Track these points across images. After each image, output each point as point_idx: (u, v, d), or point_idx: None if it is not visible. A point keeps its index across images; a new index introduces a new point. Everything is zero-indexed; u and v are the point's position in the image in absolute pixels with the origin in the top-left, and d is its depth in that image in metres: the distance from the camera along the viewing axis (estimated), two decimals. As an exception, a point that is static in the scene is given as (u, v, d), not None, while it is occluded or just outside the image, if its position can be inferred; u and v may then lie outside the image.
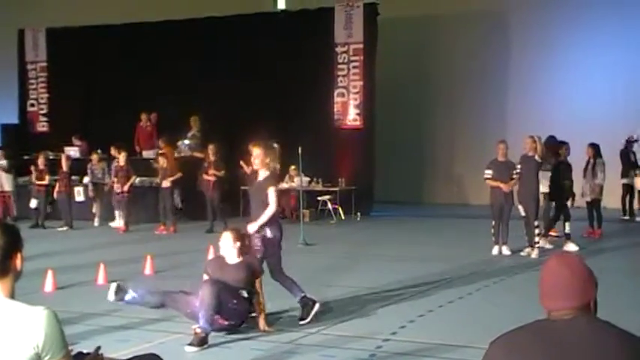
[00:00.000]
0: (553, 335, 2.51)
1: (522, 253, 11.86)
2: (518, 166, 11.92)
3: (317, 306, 7.44)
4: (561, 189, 12.81)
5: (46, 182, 16.93)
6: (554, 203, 13.19)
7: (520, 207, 12.00)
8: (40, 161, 17.17)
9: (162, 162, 16.24)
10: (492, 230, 12.19)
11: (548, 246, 12.28)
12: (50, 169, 17.24)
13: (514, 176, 11.95)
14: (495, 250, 12.08)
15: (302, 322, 7.31)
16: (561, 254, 2.72)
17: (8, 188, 18.18)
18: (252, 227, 7.44)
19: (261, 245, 7.45)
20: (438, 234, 15.29)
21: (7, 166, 18.01)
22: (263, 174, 7.61)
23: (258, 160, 7.53)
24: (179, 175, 16.14)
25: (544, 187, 12.84)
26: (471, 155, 20.37)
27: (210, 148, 15.82)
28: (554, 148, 13.01)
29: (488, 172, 12.15)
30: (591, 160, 14.15)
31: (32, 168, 17.36)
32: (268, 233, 7.45)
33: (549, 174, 12.97)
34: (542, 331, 2.54)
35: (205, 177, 15.74)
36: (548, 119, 19.05)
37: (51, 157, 18.11)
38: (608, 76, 19.47)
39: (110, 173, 17.52)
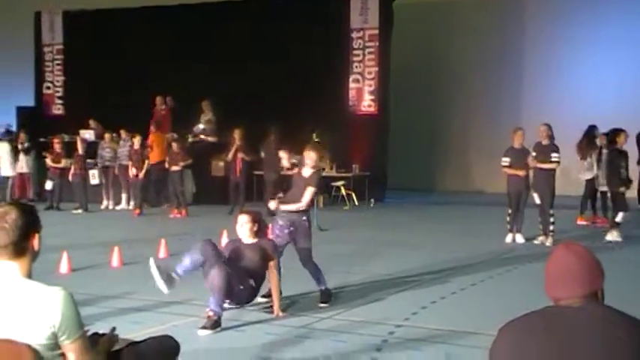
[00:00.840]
0: (562, 321, 2.51)
1: (536, 242, 11.84)
2: (533, 153, 11.84)
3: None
4: (618, 177, 12.52)
5: (61, 165, 17.05)
6: (600, 192, 13.18)
7: (535, 195, 11.93)
8: (56, 144, 17.29)
9: (174, 146, 16.30)
10: (508, 218, 12.16)
11: (614, 238, 12.12)
12: (65, 151, 17.35)
13: (529, 162, 11.89)
14: (509, 238, 12.06)
15: (322, 305, 7.53)
16: (568, 243, 2.72)
17: (27, 170, 18.38)
18: (273, 204, 7.75)
19: (292, 232, 7.62)
20: (451, 221, 15.26)
21: (27, 147, 18.21)
22: (308, 171, 7.79)
23: (310, 162, 7.77)
24: (189, 161, 16.21)
25: (588, 175, 12.72)
26: (485, 142, 20.32)
27: (237, 132, 15.92)
28: (613, 136, 12.78)
29: (506, 160, 12.08)
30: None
31: (48, 151, 17.49)
32: (304, 221, 7.70)
33: (592, 162, 12.85)
34: (552, 317, 2.55)
35: (231, 159, 15.87)
36: (564, 106, 18.99)
37: (66, 140, 18.24)
38: (626, 62, 19.28)
39: (119, 156, 17.64)
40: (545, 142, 11.78)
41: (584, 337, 2.46)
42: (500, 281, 8.96)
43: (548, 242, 11.55)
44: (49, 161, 17.27)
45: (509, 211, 12.14)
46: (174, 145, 16.29)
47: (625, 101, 18.86)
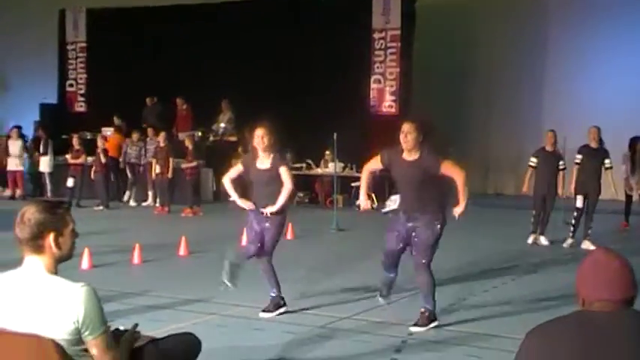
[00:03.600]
0: (593, 328, 2.47)
1: (565, 245, 11.66)
2: (579, 156, 11.74)
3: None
4: None
5: (81, 161, 17.17)
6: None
7: (578, 197, 11.77)
8: (75, 141, 17.42)
9: (188, 144, 16.32)
10: (532, 219, 12.09)
11: None
12: (87, 149, 17.46)
13: (561, 167, 11.82)
14: (530, 240, 11.98)
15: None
16: (606, 247, 2.68)
17: (44, 169, 18.56)
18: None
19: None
20: (473, 223, 15.07)
21: (45, 149, 18.41)
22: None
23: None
24: (194, 163, 16.18)
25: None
26: (507, 145, 20.20)
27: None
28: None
29: (534, 161, 12.04)
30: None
31: (68, 148, 17.65)
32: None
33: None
34: (582, 323, 2.51)
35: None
36: (585, 111, 18.81)
37: (88, 138, 18.38)
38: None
39: (146, 154, 17.76)
40: (593, 145, 11.71)
41: (617, 344, 2.42)
42: (522, 283, 8.90)
43: (590, 245, 11.30)
44: (68, 158, 17.39)
45: (534, 212, 12.08)
46: (188, 143, 16.30)
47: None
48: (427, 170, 6.63)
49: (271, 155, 7.24)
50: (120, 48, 20.92)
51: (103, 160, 16.81)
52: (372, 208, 7.19)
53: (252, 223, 7.24)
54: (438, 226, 6.70)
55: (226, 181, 7.51)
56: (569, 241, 11.71)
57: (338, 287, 8.38)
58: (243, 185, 7.57)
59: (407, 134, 6.64)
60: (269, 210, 7.09)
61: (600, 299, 2.52)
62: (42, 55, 23.39)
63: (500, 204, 18.42)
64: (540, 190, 11.97)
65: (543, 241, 11.95)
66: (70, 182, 17.17)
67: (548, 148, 11.98)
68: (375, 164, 7.06)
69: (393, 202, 6.97)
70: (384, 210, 7.11)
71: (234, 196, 7.39)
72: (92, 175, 16.95)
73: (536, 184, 12.06)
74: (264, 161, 7.25)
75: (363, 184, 7.20)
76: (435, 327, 6.73)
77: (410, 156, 6.72)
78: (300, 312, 7.28)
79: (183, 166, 16.21)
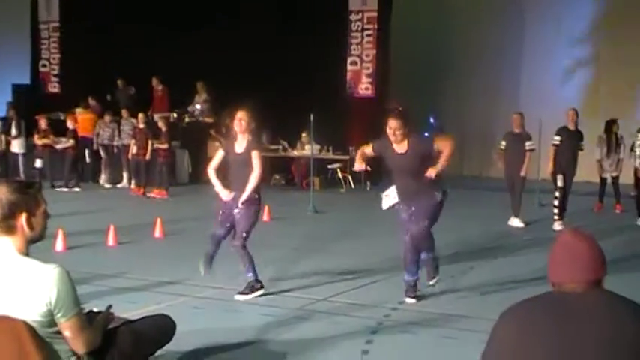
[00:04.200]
0: (565, 307, 2.49)
1: (555, 227, 11.53)
2: (557, 137, 11.84)
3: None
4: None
5: (49, 142, 17.00)
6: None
7: (559, 177, 11.85)
8: (42, 122, 17.23)
9: (161, 125, 16.18)
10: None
11: None
12: (60, 129, 17.28)
13: (527, 147, 11.88)
14: (511, 222, 12.05)
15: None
16: (575, 229, 2.70)
17: (17, 150, 18.31)
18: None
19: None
20: (448, 205, 15.19)
21: (15, 133, 18.13)
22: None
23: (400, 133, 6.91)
24: (165, 145, 16.03)
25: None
26: (483, 127, 20.29)
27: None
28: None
29: (503, 144, 12.15)
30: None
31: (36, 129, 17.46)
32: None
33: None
34: (554, 303, 2.53)
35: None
36: (561, 92, 18.94)
37: (62, 119, 18.17)
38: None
39: (120, 135, 17.63)
40: (572, 126, 11.89)
41: (588, 322, 2.44)
42: (498, 265, 8.95)
43: (556, 227, 11.41)
44: (36, 138, 17.20)
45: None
46: (162, 125, 16.16)
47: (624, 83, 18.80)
48: (423, 155, 6.84)
49: (247, 138, 7.21)
50: (94, 28, 20.66)
51: (70, 141, 16.68)
52: (367, 171, 7.41)
53: (225, 205, 7.20)
54: (438, 196, 6.97)
55: (210, 172, 7.42)
56: (558, 223, 11.63)
57: (314, 269, 8.38)
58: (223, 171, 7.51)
59: (395, 130, 6.86)
60: (240, 201, 7.04)
61: (570, 281, 2.56)
62: (14, 35, 23.04)
63: (478, 186, 18.51)
64: (509, 172, 12.08)
65: (517, 223, 12.01)
66: (38, 163, 16.98)
67: (516, 130, 12.06)
68: (367, 149, 7.30)
69: (391, 197, 7.11)
70: (384, 206, 7.20)
71: (217, 186, 7.31)
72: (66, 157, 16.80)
73: (505, 167, 12.18)
74: (241, 144, 7.23)
75: (359, 155, 7.35)
76: (410, 309, 6.77)
77: (400, 148, 6.92)
78: (277, 294, 7.28)
79: (156, 147, 16.07)
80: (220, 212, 7.26)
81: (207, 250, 7.24)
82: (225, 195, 7.18)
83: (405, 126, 6.87)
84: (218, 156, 7.45)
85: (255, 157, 7.14)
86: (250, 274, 7.16)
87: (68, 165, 16.77)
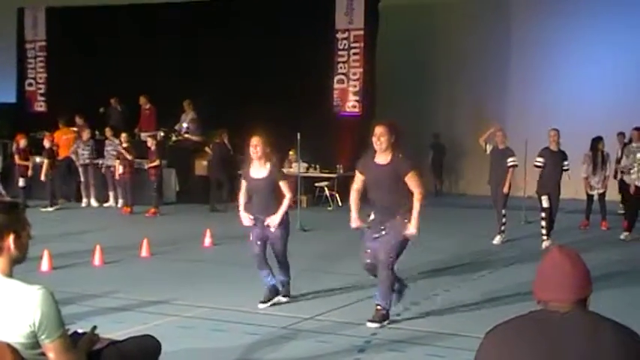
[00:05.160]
0: (550, 327, 2.50)
1: (543, 246, 11.44)
2: (540, 159, 11.92)
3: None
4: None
5: (28, 162, 16.95)
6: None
7: (543, 198, 11.86)
8: (22, 141, 17.16)
9: (150, 144, 16.15)
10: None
11: None
12: (36, 149, 17.27)
13: (509, 163, 11.93)
14: (497, 240, 12.05)
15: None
16: (562, 247, 2.70)
17: None
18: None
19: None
20: (435, 222, 15.22)
21: None
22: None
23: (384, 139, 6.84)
24: (156, 162, 16.02)
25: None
26: (470, 143, 20.35)
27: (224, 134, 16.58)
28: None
29: (489, 151, 12.24)
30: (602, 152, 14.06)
31: (14, 149, 17.39)
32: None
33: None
34: (539, 322, 2.54)
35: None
36: (550, 106, 19.02)
37: (39, 137, 18.03)
38: (613, 59, 19.32)
39: (102, 155, 17.57)
40: (552, 147, 11.93)
41: (572, 343, 2.46)
42: (483, 283, 8.96)
43: (550, 244, 11.39)
44: (17, 159, 17.14)
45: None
46: (151, 143, 16.13)
47: (620, 93, 18.88)
48: (398, 172, 6.78)
49: (267, 164, 7.50)
50: (80, 47, 20.65)
51: (46, 160, 16.66)
52: (368, 227, 7.09)
53: (255, 228, 7.53)
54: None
55: (241, 198, 7.76)
56: (546, 242, 11.61)
57: (301, 288, 8.36)
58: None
59: (379, 137, 6.82)
60: (272, 224, 7.38)
61: (555, 300, 2.56)
62: (0, 53, 22.99)
63: (463, 204, 18.54)
64: (493, 189, 12.14)
65: (496, 240, 12.00)
66: (21, 182, 16.89)
67: (500, 146, 12.13)
68: (357, 180, 7.20)
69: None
70: (364, 225, 7.12)
71: (241, 209, 7.66)
72: (42, 177, 16.71)
73: (489, 183, 12.24)
74: (259, 170, 7.50)
75: (353, 207, 7.24)
76: (397, 327, 6.76)
77: (382, 159, 6.88)
78: (263, 313, 7.26)
79: (147, 165, 16.04)
80: (253, 232, 7.55)
81: (263, 274, 7.56)
82: (245, 221, 7.58)
83: (391, 135, 6.81)
84: (243, 186, 7.75)
85: (284, 186, 7.49)
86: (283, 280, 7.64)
87: (46, 184, 16.70)
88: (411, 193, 6.84)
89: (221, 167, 16.52)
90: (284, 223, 7.51)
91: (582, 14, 19.68)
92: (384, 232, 6.81)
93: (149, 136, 16.80)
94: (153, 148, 15.99)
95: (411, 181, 6.79)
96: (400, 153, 6.91)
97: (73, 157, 17.85)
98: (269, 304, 7.45)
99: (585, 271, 2.60)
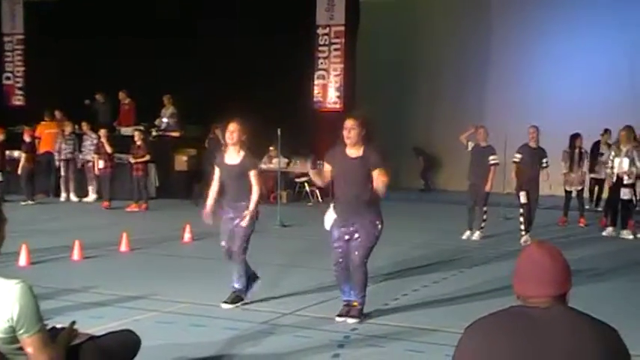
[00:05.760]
0: (529, 322, 2.51)
1: (521, 241, 11.52)
2: (515, 157, 12.03)
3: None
4: None
5: (5, 157, 16.84)
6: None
7: (521, 194, 11.94)
8: None
9: (137, 139, 16.12)
10: (467, 215, 12.26)
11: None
12: (15, 143, 17.14)
13: (491, 162, 12.01)
14: (466, 235, 12.13)
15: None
16: (541, 241, 2.71)
17: None
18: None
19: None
20: (414, 219, 15.32)
21: None
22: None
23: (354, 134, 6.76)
24: (147, 157, 16.01)
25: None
26: (450, 140, 20.43)
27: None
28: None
29: (470, 148, 12.29)
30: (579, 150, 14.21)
31: None
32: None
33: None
34: (519, 318, 2.54)
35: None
36: (528, 103, 19.16)
37: (17, 132, 17.89)
38: (591, 58, 19.48)
39: (80, 149, 17.48)
40: (531, 144, 12.01)
41: (552, 338, 2.46)
42: (461, 278, 9.01)
43: (528, 240, 11.47)
44: None
45: (468, 207, 12.27)
46: (138, 138, 16.10)
47: (597, 93, 19.02)
48: (367, 165, 6.72)
49: (241, 152, 7.40)
50: (58, 41, 20.48)
51: (24, 155, 16.56)
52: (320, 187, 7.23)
53: (225, 219, 7.37)
54: (379, 225, 6.81)
55: (212, 193, 7.57)
56: (525, 237, 11.70)
57: (281, 283, 8.37)
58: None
59: (350, 130, 6.76)
60: (243, 223, 7.22)
61: (535, 295, 2.56)
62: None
63: (443, 199, 18.63)
64: (473, 185, 12.19)
65: (476, 236, 12.09)
66: None
67: (482, 143, 12.19)
68: (327, 170, 7.09)
69: (330, 215, 6.95)
70: (327, 226, 6.99)
71: (208, 204, 7.52)
72: (19, 171, 16.60)
73: (469, 178, 12.29)
74: (232, 156, 7.41)
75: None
76: (376, 322, 6.79)
77: (353, 152, 6.81)
78: (242, 308, 7.26)
79: (133, 160, 15.95)
80: (223, 226, 7.39)
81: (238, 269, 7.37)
82: (207, 219, 7.43)
83: (362, 128, 6.76)
84: (215, 176, 7.56)
85: (254, 177, 7.33)
86: (239, 285, 7.33)
87: (23, 178, 16.59)
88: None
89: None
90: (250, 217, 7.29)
91: (562, 13, 19.83)
92: (356, 236, 6.75)
93: (136, 131, 16.71)
94: (140, 142, 15.95)
95: (377, 176, 6.66)
96: (373, 147, 6.82)
97: (56, 153, 17.70)
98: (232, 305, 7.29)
99: (564, 266, 2.60)
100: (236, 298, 7.33)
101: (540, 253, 2.60)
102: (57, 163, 17.75)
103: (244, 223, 7.22)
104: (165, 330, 6.42)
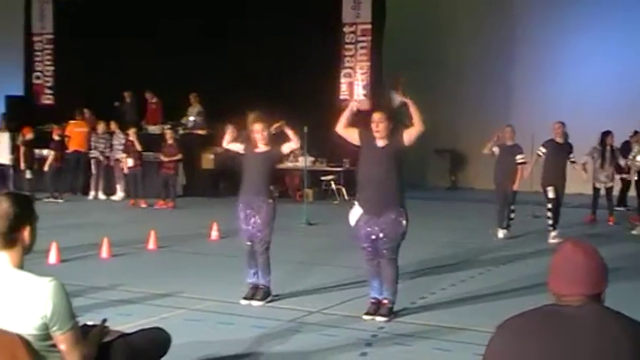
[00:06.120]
0: (561, 321, 2.48)
1: (550, 239, 11.48)
2: (543, 149, 11.94)
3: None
4: None
5: (34, 155, 17.10)
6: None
7: (549, 189, 11.87)
8: (28, 135, 17.25)
9: (168, 138, 16.26)
10: (497, 214, 12.19)
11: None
12: (44, 142, 17.39)
13: (519, 160, 11.93)
14: (500, 234, 12.05)
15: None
16: (577, 240, 2.68)
17: (5, 162, 18.13)
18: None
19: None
20: (442, 217, 15.27)
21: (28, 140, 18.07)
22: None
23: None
24: (179, 155, 16.14)
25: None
26: (475, 139, 20.33)
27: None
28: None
29: (497, 153, 12.20)
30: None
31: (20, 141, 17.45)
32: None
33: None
34: (550, 317, 2.52)
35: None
36: (554, 101, 19.01)
37: (46, 130, 18.09)
38: (617, 56, 19.28)
39: (111, 148, 17.63)
40: (558, 139, 11.91)
41: (582, 338, 2.44)
42: (489, 277, 8.96)
43: (556, 238, 11.36)
44: (23, 151, 17.24)
45: (498, 207, 12.19)
46: (170, 137, 16.26)
47: (626, 88, 18.85)
48: (397, 149, 6.78)
49: (268, 144, 7.57)
50: (88, 40, 20.67)
51: (52, 152, 16.73)
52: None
53: (242, 218, 7.45)
54: (404, 222, 6.81)
55: (225, 143, 7.93)
56: (554, 233, 11.61)
57: (307, 281, 8.39)
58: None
59: (378, 123, 6.79)
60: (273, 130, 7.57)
61: (568, 294, 2.54)
62: (7, 47, 23.03)
63: (471, 198, 18.54)
64: (500, 184, 12.10)
65: (500, 234, 12.00)
66: (28, 174, 17.04)
67: (508, 142, 12.10)
68: (353, 133, 7.07)
69: (356, 211, 6.93)
70: (352, 222, 6.97)
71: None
72: (46, 168, 16.81)
73: (496, 178, 12.20)
74: (261, 147, 7.55)
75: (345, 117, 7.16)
76: (404, 321, 6.78)
77: (381, 142, 6.85)
78: (268, 306, 7.28)
79: (166, 159, 16.09)
80: (241, 214, 7.45)
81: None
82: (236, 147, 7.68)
83: (390, 121, 6.80)
84: (236, 145, 7.76)
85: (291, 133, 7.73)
86: (264, 282, 7.41)
87: (49, 176, 16.79)
88: (403, 187, 6.88)
89: None
90: (271, 211, 7.39)
91: (586, 10, 19.66)
92: (381, 235, 6.75)
93: (167, 130, 16.85)
94: (171, 141, 16.11)
95: (408, 131, 6.81)
96: (399, 136, 6.84)
97: (93, 151, 17.81)
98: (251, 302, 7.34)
99: (600, 265, 2.56)
100: (265, 294, 7.36)
101: (575, 251, 2.57)
102: (91, 160, 17.89)
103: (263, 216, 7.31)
104: (193, 328, 6.45)
